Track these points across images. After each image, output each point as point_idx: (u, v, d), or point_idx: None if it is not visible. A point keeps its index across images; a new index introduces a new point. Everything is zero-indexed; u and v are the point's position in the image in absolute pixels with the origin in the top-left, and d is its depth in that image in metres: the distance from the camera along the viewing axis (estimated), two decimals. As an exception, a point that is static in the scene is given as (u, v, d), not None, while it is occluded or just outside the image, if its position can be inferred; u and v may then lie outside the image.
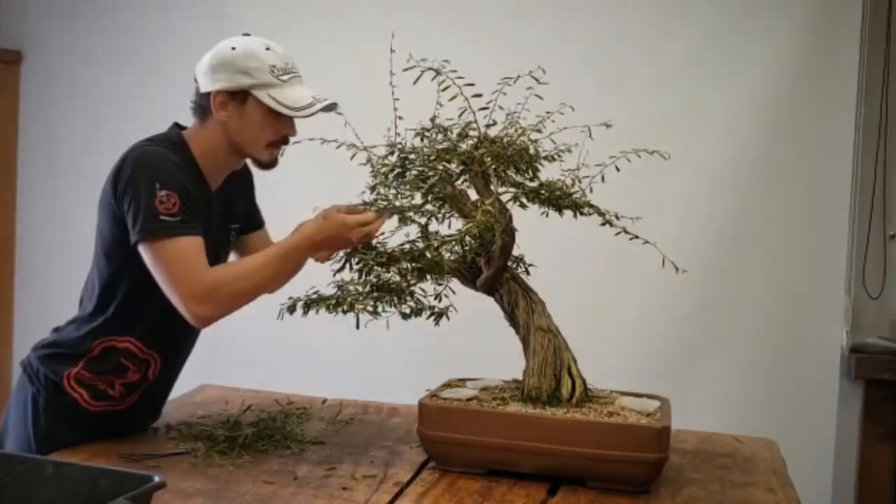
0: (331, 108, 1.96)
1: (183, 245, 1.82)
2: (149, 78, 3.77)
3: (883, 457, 3.26)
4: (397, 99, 1.84)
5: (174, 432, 1.99)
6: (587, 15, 3.23)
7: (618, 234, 1.87)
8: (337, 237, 1.87)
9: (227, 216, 2.05)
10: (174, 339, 2.01)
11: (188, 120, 2.01)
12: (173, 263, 1.81)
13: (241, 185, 2.13)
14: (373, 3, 3.42)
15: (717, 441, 2.12)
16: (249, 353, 3.54)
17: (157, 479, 1.30)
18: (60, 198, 3.91)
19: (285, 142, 1.99)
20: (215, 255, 1.98)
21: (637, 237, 1.84)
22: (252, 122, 1.93)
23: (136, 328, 1.94)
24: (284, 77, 1.92)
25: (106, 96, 3.83)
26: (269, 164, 1.99)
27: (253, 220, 2.18)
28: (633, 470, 1.70)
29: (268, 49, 1.93)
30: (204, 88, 1.94)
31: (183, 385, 2.40)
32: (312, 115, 1.92)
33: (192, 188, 1.88)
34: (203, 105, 1.95)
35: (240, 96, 1.91)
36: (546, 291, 1.96)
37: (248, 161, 2.03)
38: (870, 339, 3.29)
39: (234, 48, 1.92)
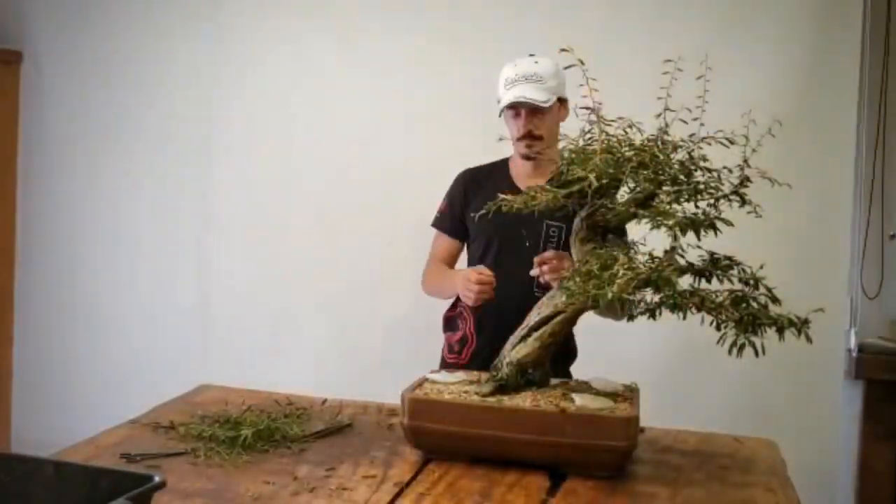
0: (520, 101, 2.35)
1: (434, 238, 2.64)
2: (148, 78, 3.77)
3: (883, 457, 3.26)
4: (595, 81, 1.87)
5: (174, 432, 1.99)
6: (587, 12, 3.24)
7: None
8: (458, 284, 2.40)
9: (544, 213, 2.17)
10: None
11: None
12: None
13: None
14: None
15: (717, 441, 2.12)
16: (249, 353, 3.54)
17: (157, 479, 1.30)
18: (60, 198, 3.91)
19: (530, 136, 2.40)
20: (534, 247, 2.39)
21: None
22: (506, 124, 2.45)
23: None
24: (509, 86, 2.38)
25: (105, 96, 3.83)
26: (526, 157, 2.44)
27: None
28: (603, 457, 1.77)
29: (515, 65, 2.40)
30: None
31: (183, 385, 2.41)
32: (505, 107, 2.39)
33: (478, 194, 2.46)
34: None
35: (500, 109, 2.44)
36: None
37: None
38: (870, 339, 3.29)
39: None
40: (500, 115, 2.46)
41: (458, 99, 3.32)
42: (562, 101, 2.43)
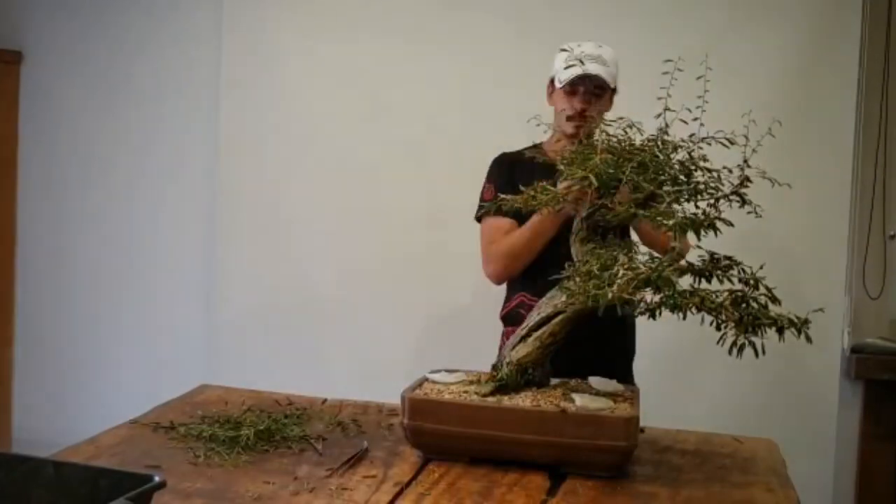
0: (583, 75, 2.33)
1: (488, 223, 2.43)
2: (148, 78, 3.77)
3: (883, 457, 3.26)
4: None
5: (174, 432, 1.99)
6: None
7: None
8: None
9: None
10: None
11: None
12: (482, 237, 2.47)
13: None
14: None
15: (717, 441, 2.12)
16: (249, 353, 3.54)
17: (157, 479, 1.30)
18: (60, 197, 3.91)
19: (581, 115, 2.34)
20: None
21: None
22: (555, 103, 2.42)
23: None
24: (574, 62, 2.35)
25: (106, 96, 3.83)
26: (572, 136, 2.34)
27: None
28: (603, 457, 1.78)
29: (578, 45, 2.39)
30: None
31: (183, 385, 2.41)
32: (568, 82, 2.34)
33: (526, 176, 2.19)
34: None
35: (550, 83, 2.43)
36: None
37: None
38: (870, 339, 3.29)
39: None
40: (550, 93, 2.43)
41: (460, 98, 3.32)
42: (612, 92, 2.43)
